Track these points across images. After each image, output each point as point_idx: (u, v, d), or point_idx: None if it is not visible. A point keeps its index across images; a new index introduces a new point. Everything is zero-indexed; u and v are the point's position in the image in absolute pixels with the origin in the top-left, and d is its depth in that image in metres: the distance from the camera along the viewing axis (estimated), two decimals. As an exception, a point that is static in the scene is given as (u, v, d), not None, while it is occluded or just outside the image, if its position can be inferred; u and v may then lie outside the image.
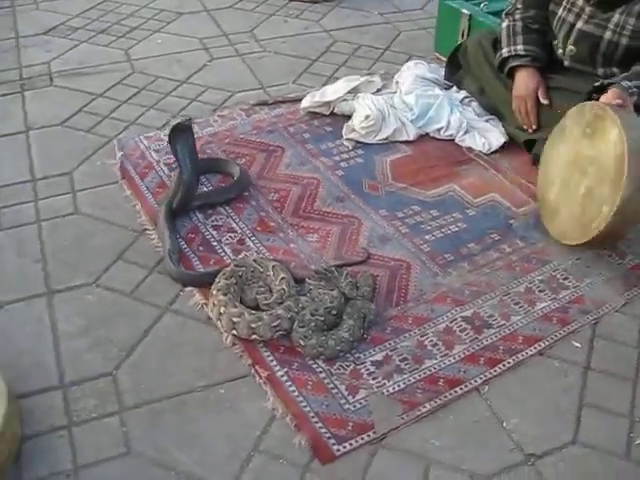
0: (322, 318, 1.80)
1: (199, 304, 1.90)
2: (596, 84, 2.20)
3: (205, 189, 2.34)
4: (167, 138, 2.23)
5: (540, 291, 1.95)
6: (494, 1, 3.06)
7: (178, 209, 2.17)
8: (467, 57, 2.70)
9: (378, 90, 2.74)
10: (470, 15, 2.94)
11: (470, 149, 2.54)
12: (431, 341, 1.80)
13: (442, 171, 2.43)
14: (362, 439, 1.56)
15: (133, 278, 2.00)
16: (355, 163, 2.47)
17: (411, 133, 2.56)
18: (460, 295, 1.94)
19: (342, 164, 2.46)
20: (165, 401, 1.65)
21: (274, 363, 1.73)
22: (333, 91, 2.69)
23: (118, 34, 3.33)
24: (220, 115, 2.72)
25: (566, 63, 2.43)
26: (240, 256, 2.05)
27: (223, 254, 2.06)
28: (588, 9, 2.30)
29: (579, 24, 2.33)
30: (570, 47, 2.38)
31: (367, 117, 2.52)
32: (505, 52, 2.49)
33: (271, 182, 2.36)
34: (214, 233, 2.14)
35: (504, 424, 1.61)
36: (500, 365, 1.74)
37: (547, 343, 1.80)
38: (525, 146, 2.49)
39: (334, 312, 1.82)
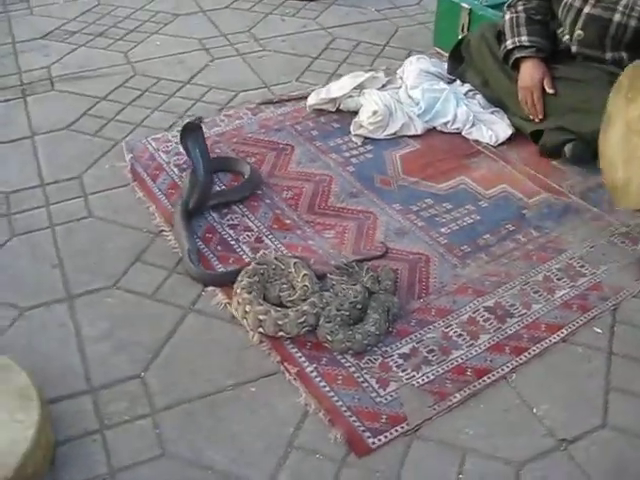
0: (348, 313, 1.82)
1: (222, 303, 1.91)
2: None
3: (217, 188, 2.34)
4: (179, 138, 2.23)
5: (558, 279, 1.98)
6: (493, -6, 3.09)
7: (194, 209, 2.18)
8: (470, 50, 2.72)
9: (383, 86, 2.75)
10: (470, 9, 2.97)
11: (477, 142, 2.56)
12: (456, 332, 1.82)
13: (452, 164, 2.46)
14: (396, 431, 1.58)
15: (153, 280, 2.00)
16: (365, 159, 2.48)
17: (419, 127, 2.58)
18: (480, 286, 1.96)
19: (352, 160, 2.47)
20: (196, 401, 1.66)
21: (303, 359, 1.74)
22: (338, 88, 2.70)
23: (116, 37, 3.32)
24: (226, 115, 2.72)
25: (574, 49, 2.45)
26: (259, 254, 2.06)
27: (242, 253, 2.07)
28: None
29: (587, 8, 2.36)
30: (578, 32, 2.40)
31: (375, 113, 2.54)
32: (509, 44, 2.51)
33: (283, 180, 2.37)
34: (231, 232, 2.14)
35: (534, 411, 1.63)
36: (525, 353, 1.76)
37: (569, 330, 1.82)
38: (531, 137, 2.51)
39: (359, 306, 1.84)
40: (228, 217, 2.21)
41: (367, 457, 1.54)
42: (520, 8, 2.54)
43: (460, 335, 1.81)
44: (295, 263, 1.95)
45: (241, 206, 2.25)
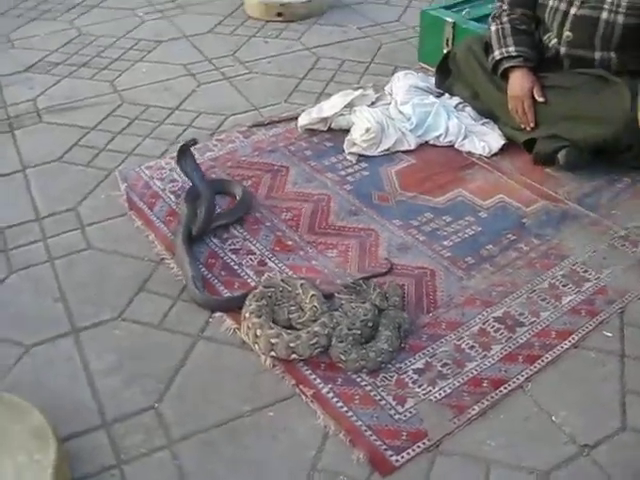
0: (359, 331, 1.81)
1: (231, 329, 1.89)
2: None
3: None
4: (176, 161, 2.23)
5: (564, 285, 1.99)
6: (475, 7, 3.13)
7: (200, 232, 2.17)
8: (457, 63, 2.75)
9: (373, 103, 2.77)
10: (454, 23, 3.00)
11: (471, 153, 2.58)
12: (468, 344, 1.82)
13: (447, 177, 2.47)
14: (418, 447, 1.57)
15: (159, 309, 1.98)
16: (361, 176, 2.49)
17: (412, 142, 2.60)
18: (488, 296, 1.96)
19: (349, 178, 2.48)
20: (214, 430, 1.63)
21: (318, 381, 1.73)
22: (329, 107, 2.71)
23: (100, 66, 3.31)
24: (218, 139, 2.72)
25: (563, 50, 2.47)
26: (263, 277, 2.05)
27: (246, 277, 2.06)
28: None
29: (573, 10, 2.39)
30: (567, 33, 2.43)
31: (368, 130, 2.55)
32: (497, 54, 2.54)
33: (281, 201, 2.37)
34: (233, 257, 2.13)
35: (553, 418, 1.63)
36: (539, 361, 1.76)
37: (580, 335, 1.83)
38: (524, 146, 2.54)
39: (370, 324, 1.83)
40: (229, 242, 2.20)
41: (391, 476, 1.52)
42: (505, 19, 2.57)
43: (472, 347, 1.81)
44: (302, 284, 1.94)
45: (241, 230, 2.24)
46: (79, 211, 2.37)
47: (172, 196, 2.40)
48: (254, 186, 2.44)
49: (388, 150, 2.59)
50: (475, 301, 1.95)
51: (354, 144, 2.59)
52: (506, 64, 2.52)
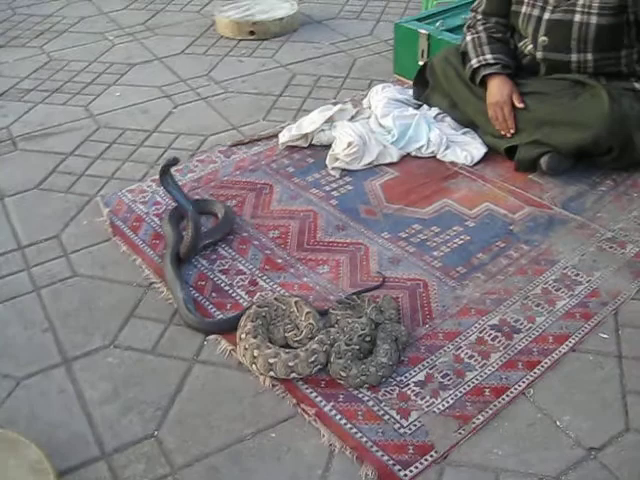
0: (357, 347, 1.80)
1: (227, 351, 1.86)
2: None
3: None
4: (160, 182, 2.20)
5: (557, 290, 2.00)
6: (448, 19, 3.16)
7: (189, 252, 2.14)
8: (435, 74, 2.76)
9: (352, 117, 2.77)
10: (428, 34, 3.03)
11: (453, 163, 2.59)
12: (467, 353, 1.81)
13: (432, 188, 2.48)
14: (426, 460, 1.55)
15: (151, 334, 1.94)
16: (346, 191, 2.49)
17: (394, 155, 2.60)
18: (482, 305, 1.96)
19: (334, 193, 2.47)
20: (217, 454, 1.60)
21: (319, 399, 1.70)
22: (309, 123, 2.71)
23: (73, 91, 3.28)
24: (199, 160, 2.70)
25: (539, 55, 2.50)
26: (255, 297, 2.03)
27: (238, 297, 2.03)
28: (552, 0, 2.41)
29: (546, 15, 2.42)
30: (542, 38, 2.45)
31: (350, 144, 2.55)
32: (475, 62, 2.56)
33: (267, 219, 2.35)
34: (223, 278, 2.11)
35: (557, 423, 1.63)
36: (539, 367, 1.76)
37: (577, 339, 1.84)
38: (506, 153, 2.56)
39: (368, 339, 1.82)
40: (218, 263, 2.17)
41: (401, 490, 1.52)
42: (480, 28, 2.60)
43: (471, 356, 1.80)
44: (296, 302, 1.92)
45: (229, 250, 2.22)
46: (62, 238, 2.32)
47: (156, 219, 2.37)
48: (239, 205, 2.43)
49: (371, 164, 2.59)
50: (470, 310, 1.95)
51: (337, 159, 2.59)
52: (484, 72, 2.54)
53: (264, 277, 2.10)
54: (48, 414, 1.72)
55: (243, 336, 1.82)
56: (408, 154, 2.64)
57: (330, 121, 2.72)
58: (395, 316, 1.91)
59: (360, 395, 1.71)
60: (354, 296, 1.97)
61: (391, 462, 1.55)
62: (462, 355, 1.81)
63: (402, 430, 1.62)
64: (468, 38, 2.62)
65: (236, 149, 2.76)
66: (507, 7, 2.56)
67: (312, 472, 1.56)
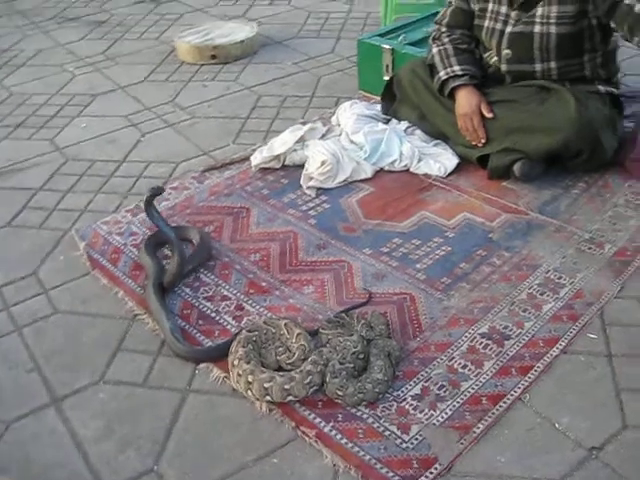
0: (352, 365, 1.79)
1: (220, 378, 1.84)
2: None
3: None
4: (146, 212, 2.18)
5: (541, 294, 2.03)
6: (410, 32, 3.20)
7: (174, 281, 2.13)
8: (402, 87, 2.79)
9: (323, 135, 2.79)
10: (392, 49, 3.06)
11: (427, 175, 2.61)
12: (460, 363, 1.82)
13: (408, 201, 2.49)
14: (431, 473, 1.55)
15: (140, 367, 1.91)
16: (323, 209, 2.49)
17: (368, 170, 2.62)
18: (470, 314, 1.98)
19: (311, 212, 2.47)
20: (221, 484, 1.59)
21: (318, 420, 1.69)
22: (281, 144, 2.71)
23: (37, 125, 3.23)
24: (172, 187, 2.67)
25: (504, 67, 2.55)
26: (243, 322, 2.01)
27: (225, 323, 2.02)
28: (513, 13, 2.46)
29: (509, 29, 2.47)
30: (506, 51, 2.50)
31: (324, 163, 2.56)
32: (443, 74, 2.60)
33: (247, 243, 2.34)
34: (209, 304, 2.09)
35: (556, 425, 1.65)
36: (532, 371, 1.78)
37: (566, 341, 1.86)
38: (478, 162, 2.59)
39: (361, 356, 1.81)
40: (201, 290, 2.15)
41: (409, 506, 1.51)
42: (446, 40, 2.64)
43: (465, 366, 1.81)
44: (286, 324, 1.91)
45: (212, 276, 2.20)
46: (39, 275, 2.28)
47: (134, 250, 2.34)
48: (217, 230, 2.41)
49: (345, 181, 2.60)
50: (459, 320, 1.96)
51: (311, 178, 2.59)
52: (452, 84, 2.57)
53: (250, 301, 2.09)
54: (42, 456, 1.68)
55: (236, 362, 1.81)
56: (381, 169, 2.66)
57: (301, 141, 2.73)
58: (385, 331, 1.91)
59: (359, 413, 1.71)
60: (343, 314, 1.97)
61: (397, 478, 1.54)
62: (456, 365, 1.82)
63: (404, 445, 1.62)
64: (434, 50, 2.65)
65: (209, 174, 2.74)
66: (470, 20, 2.60)
67: (318, 494, 1.55)
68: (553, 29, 2.40)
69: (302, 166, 2.66)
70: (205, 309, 2.08)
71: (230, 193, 2.62)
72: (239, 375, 1.78)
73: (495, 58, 2.56)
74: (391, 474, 1.55)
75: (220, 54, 3.78)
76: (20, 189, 2.75)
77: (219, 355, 1.89)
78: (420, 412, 1.70)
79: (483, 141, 2.55)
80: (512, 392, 1.73)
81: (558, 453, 1.59)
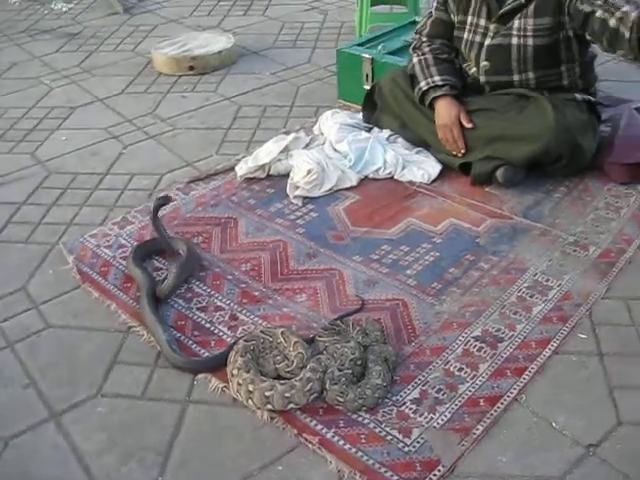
0: (350, 371, 1.82)
1: (219, 388, 1.85)
2: None
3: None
4: (152, 222, 2.24)
5: (531, 297, 2.08)
6: (388, 42, 3.24)
7: (173, 291, 2.15)
8: (383, 96, 2.83)
9: (307, 144, 2.81)
10: (372, 58, 3.10)
11: (412, 182, 2.65)
12: (456, 367, 1.86)
13: (394, 208, 2.53)
14: (434, 475, 1.58)
15: (138, 379, 1.91)
16: (311, 218, 2.51)
17: (353, 179, 2.65)
18: (462, 318, 2.02)
19: (299, 221, 2.49)
20: (227, 494, 1.60)
21: (319, 427, 1.72)
22: (265, 154, 2.73)
23: (16, 139, 3.20)
24: (158, 199, 2.68)
25: (482, 79, 2.60)
26: (238, 332, 2.03)
27: (221, 334, 2.03)
28: (492, 26, 2.51)
29: (487, 41, 2.53)
30: (484, 63, 2.56)
31: (309, 171, 2.58)
32: (424, 85, 2.64)
33: (238, 253, 2.35)
34: (203, 315, 2.10)
35: (553, 424, 1.69)
36: (527, 372, 1.82)
37: (558, 342, 1.91)
38: (460, 169, 2.64)
39: (359, 362, 1.84)
40: (194, 301, 2.16)
41: (415, 508, 1.54)
42: (426, 49, 2.68)
43: (461, 369, 1.85)
44: (283, 332, 1.93)
45: (204, 287, 2.21)
46: (29, 290, 2.26)
47: (124, 262, 2.33)
48: (206, 241, 2.42)
49: (331, 189, 2.62)
50: (452, 324, 2.00)
51: (297, 187, 2.61)
52: (433, 94, 2.61)
53: (243, 311, 2.10)
54: (43, 472, 1.68)
55: (235, 372, 1.82)
56: (366, 177, 2.69)
57: (286, 150, 2.75)
58: (380, 337, 1.94)
59: (360, 419, 1.73)
60: (338, 321, 2.00)
61: (402, 481, 1.58)
62: (452, 369, 1.86)
63: (407, 448, 1.65)
64: (415, 60, 2.69)
65: (194, 185, 2.75)
66: (450, 31, 2.66)
67: (325, 500, 1.57)
68: (530, 41, 2.46)
69: (287, 175, 2.68)
70: (199, 320, 2.08)
71: (217, 204, 2.63)
72: (239, 384, 1.80)
73: (474, 69, 2.61)
74: (396, 478, 1.58)
75: (198, 65, 3.78)
76: (3, 204, 2.72)
77: (216, 365, 1.90)
78: (420, 416, 1.73)
79: (463, 151, 2.59)
80: (508, 393, 1.77)
81: (557, 451, 1.63)
